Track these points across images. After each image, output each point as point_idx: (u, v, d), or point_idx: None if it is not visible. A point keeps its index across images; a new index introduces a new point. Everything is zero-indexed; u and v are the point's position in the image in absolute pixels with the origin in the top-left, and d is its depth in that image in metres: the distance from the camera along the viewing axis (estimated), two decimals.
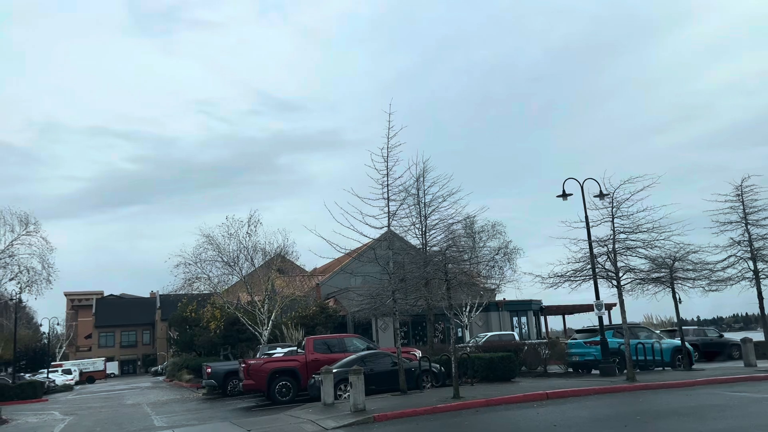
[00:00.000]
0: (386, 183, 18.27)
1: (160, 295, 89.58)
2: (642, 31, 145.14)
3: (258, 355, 27.43)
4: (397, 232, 20.09)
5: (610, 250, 17.27)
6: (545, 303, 44.72)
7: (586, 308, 47.23)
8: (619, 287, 17.44)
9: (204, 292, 30.43)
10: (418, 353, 22.40)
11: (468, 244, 31.70)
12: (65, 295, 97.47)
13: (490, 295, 41.33)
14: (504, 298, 44.13)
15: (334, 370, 16.93)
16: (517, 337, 32.70)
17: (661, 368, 21.52)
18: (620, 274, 17.33)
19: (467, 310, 36.50)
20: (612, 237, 17.33)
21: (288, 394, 20.19)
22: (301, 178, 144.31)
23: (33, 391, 34.15)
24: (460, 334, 44.61)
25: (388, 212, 18.43)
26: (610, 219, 17.45)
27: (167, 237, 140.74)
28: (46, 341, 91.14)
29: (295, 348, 23.13)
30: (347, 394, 17.86)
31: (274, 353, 23.38)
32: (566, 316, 49.18)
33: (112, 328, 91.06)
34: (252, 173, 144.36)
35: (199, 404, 23.84)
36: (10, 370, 73.91)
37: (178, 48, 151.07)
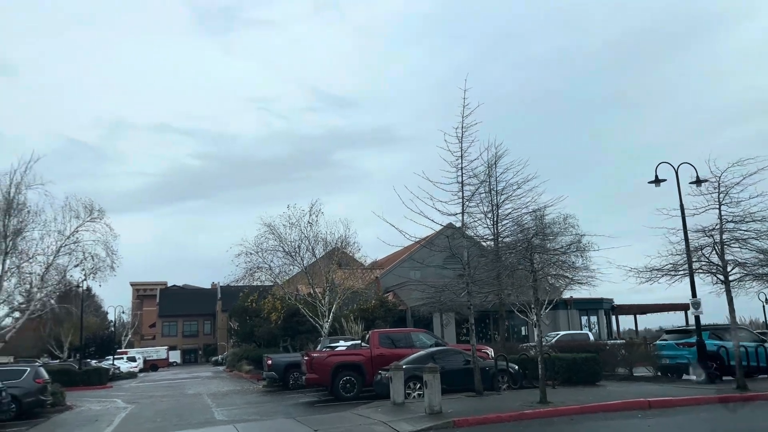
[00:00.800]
0: (460, 165, 16.73)
1: (220, 287, 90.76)
2: (709, 22, 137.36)
3: (319, 348, 26.39)
4: (467, 221, 18.45)
5: (716, 241, 15.18)
6: (616, 302, 42.10)
7: (659, 308, 44.35)
8: (726, 282, 15.33)
9: (265, 282, 29.58)
10: (490, 351, 20.80)
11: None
12: (131, 285, 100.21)
13: (557, 293, 39.19)
14: (571, 296, 41.80)
15: (404, 367, 15.54)
16: (591, 337, 30.54)
17: (766, 375, 19.14)
18: (729, 269, 15.21)
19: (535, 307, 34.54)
20: (719, 226, 15.23)
21: (352, 389, 18.96)
22: (355, 174, 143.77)
23: (98, 377, 34.33)
24: (524, 333, 42.61)
25: (462, 198, 16.86)
26: (717, 206, 15.35)
27: (228, 231, 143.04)
28: (112, 329, 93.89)
29: (359, 341, 21.91)
30: (417, 392, 16.52)
31: (337, 347, 22.22)
32: (638, 315, 46.35)
33: (175, 318, 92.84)
34: (308, 169, 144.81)
35: (259, 397, 22.99)
36: (78, 356, 76.50)
37: (237, 47, 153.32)
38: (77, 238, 25.40)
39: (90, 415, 20.19)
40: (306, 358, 19.53)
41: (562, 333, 30.44)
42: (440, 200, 16.66)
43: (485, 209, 20.85)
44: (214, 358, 72.41)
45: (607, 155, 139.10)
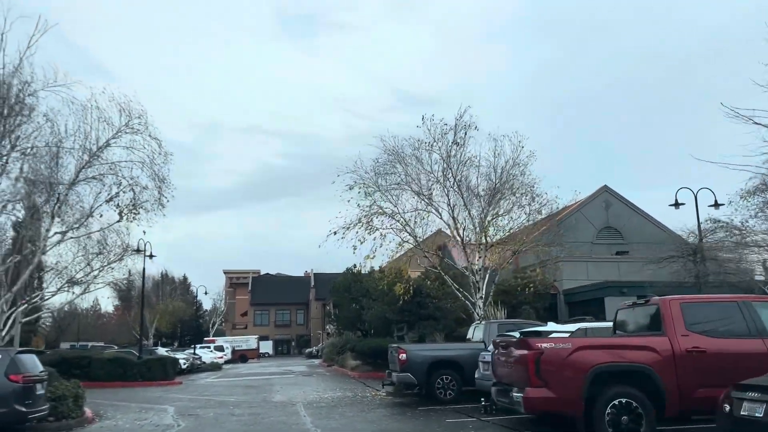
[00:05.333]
0: None
1: (314, 274, 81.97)
2: None
3: (484, 338, 15.43)
4: None
5: None
6: None
7: None
8: None
9: (386, 232, 18.53)
10: None
11: None
12: (224, 273, 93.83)
13: None
14: None
15: None
16: None
17: None
18: None
19: None
20: None
21: (636, 428, 7.77)
22: None
23: (162, 370, 24.97)
24: None
25: None
26: None
27: (314, 227, 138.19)
28: (205, 316, 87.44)
29: (601, 324, 10.74)
30: None
31: (547, 331, 11.10)
32: None
33: (267, 307, 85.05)
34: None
35: (396, 419, 12.32)
36: (176, 344, 69.59)
37: (321, 50, 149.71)
38: (108, 157, 15.63)
39: None
40: (522, 351, 8.39)
41: None
42: None
43: None
44: (308, 350, 63.16)
45: (704, 148, 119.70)
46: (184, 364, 34.25)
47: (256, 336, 62.90)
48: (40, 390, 12.16)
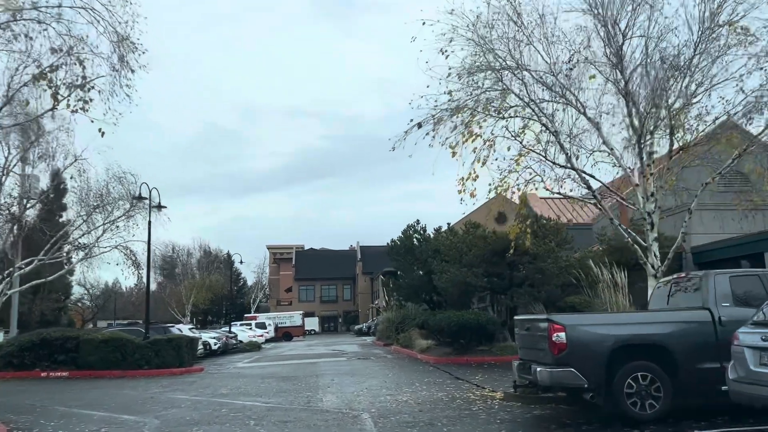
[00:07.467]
0: None
1: (360, 247, 75.51)
2: None
3: (709, 303, 8.08)
4: None
5: None
6: None
7: None
8: None
9: (509, 116, 10.65)
10: None
11: None
12: (267, 248, 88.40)
13: None
14: None
15: None
16: None
17: None
18: None
19: None
20: None
21: None
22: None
23: (175, 354, 18.38)
24: None
25: None
26: None
27: (357, 207, 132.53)
28: (250, 293, 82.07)
29: None
30: None
31: None
32: None
33: (312, 282, 79.03)
34: (428, 146, 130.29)
35: None
36: (222, 322, 64.13)
37: (357, 30, 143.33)
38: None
39: None
40: None
41: None
42: None
43: None
44: (357, 327, 56.60)
45: None
46: (216, 344, 28.02)
47: (301, 312, 56.61)
48: None
